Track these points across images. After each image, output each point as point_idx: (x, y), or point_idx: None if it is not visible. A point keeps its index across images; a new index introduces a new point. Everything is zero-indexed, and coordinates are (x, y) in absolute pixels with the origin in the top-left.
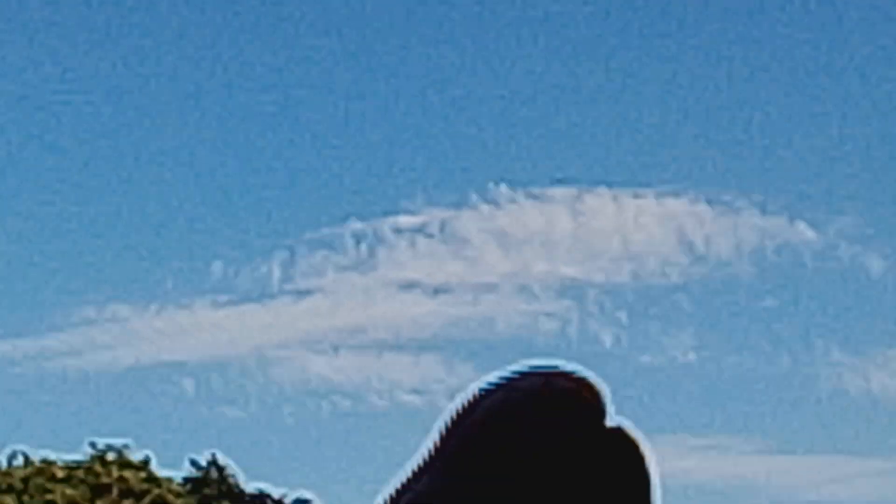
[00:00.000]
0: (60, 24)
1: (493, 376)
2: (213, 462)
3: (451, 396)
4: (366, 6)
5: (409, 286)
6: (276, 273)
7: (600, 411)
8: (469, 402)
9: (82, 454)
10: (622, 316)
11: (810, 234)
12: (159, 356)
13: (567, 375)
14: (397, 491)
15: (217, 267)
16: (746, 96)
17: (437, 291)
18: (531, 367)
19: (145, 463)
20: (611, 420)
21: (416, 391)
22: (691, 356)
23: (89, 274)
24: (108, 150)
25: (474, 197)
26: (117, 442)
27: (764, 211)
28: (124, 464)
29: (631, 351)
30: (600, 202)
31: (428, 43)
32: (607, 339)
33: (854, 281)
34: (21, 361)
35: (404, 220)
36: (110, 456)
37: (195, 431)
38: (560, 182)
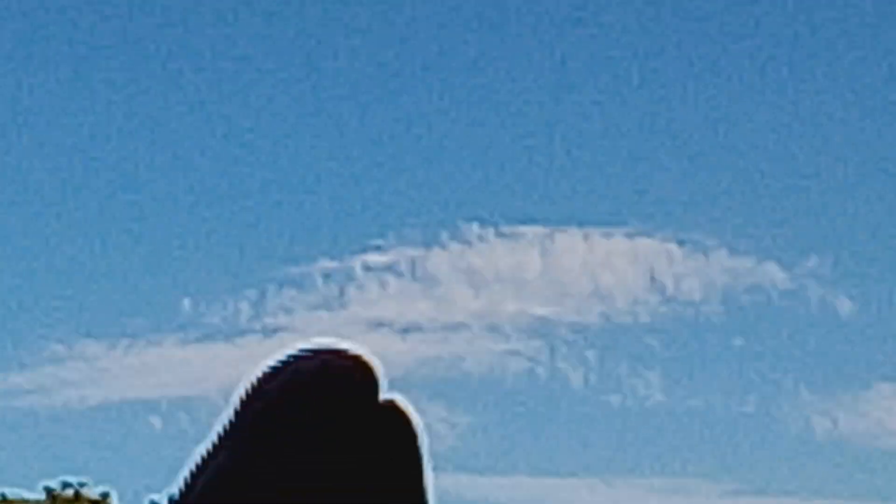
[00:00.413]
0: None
1: (274, 360)
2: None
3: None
4: (334, 48)
5: (379, 325)
6: (246, 311)
7: (373, 387)
8: (252, 387)
9: (39, 493)
10: (591, 356)
11: (779, 274)
12: (128, 394)
13: (341, 353)
14: (192, 473)
15: (186, 304)
16: (717, 137)
17: (406, 330)
18: (308, 348)
19: (103, 498)
20: (383, 395)
21: None
22: (659, 396)
23: (58, 311)
24: (76, 189)
25: (444, 235)
26: (75, 480)
27: (733, 251)
28: (81, 502)
29: (599, 391)
30: (571, 241)
31: (397, 81)
32: (576, 379)
33: (823, 322)
34: None
35: (374, 259)
36: (68, 492)
37: (162, 469)
38: (531, 221)
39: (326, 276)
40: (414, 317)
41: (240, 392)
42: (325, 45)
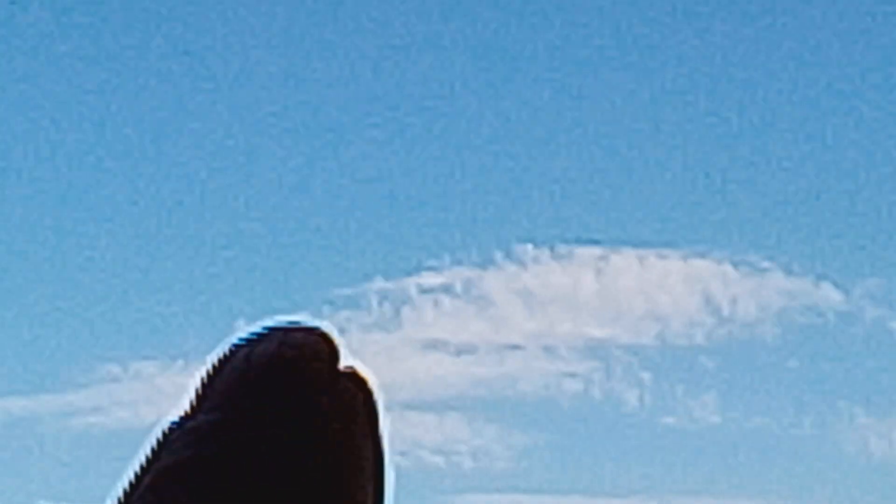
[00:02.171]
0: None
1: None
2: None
3: (475, 457)
4: (382, 64)
5: (434, 346)
6: None
7: (334, 356)
8: (215, 365)
9: None
10: (646, 377)
11: (835, 295)
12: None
13: (301, 328)
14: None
15: (241, 325)
16: (772, 157)
17: (461, 351)
18: (270, 326)
19: None
20: (344, 363)
21: (439, 451)
22: (715, 418)
23: (113, 331)
24: (133, 208)
25: (499, 256)
26: None
27: (789, 272)
28: None
29: (655, 412)
30: (626, 262)
31: (453, 99)
32: (631, 400)
33: (879, 343)
34: (43, 418)
35: (429, 280)
36: None
37: None
38: (586, 242)
39: (381, 296)
40: (469, 338)
41: (194, 386)
42: (375, 61)
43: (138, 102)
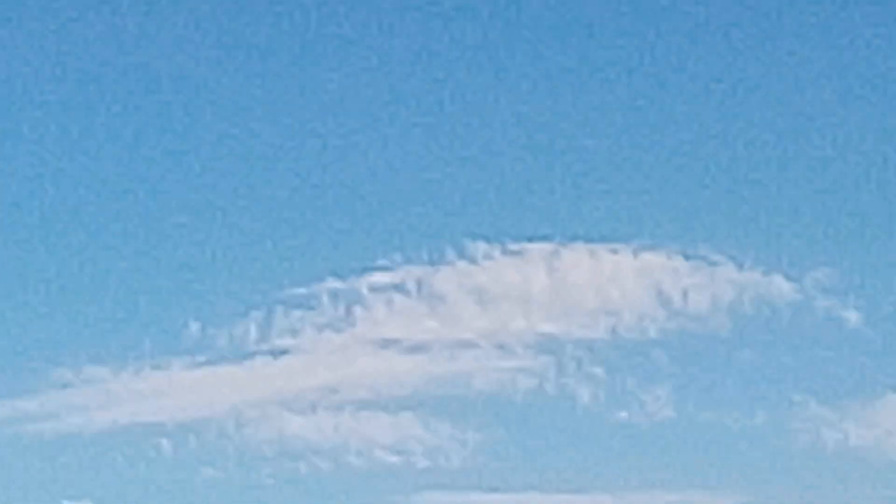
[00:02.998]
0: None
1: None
2: None
3: (430, 455)
4: (340, 64)
5: (387, 344)
6: (253, 333)
7: None
8: None
9: None
10: (599, 372)
11: (786, 287)
12: (136, 418)
13: None
14: None
15: (194, 327)
16: (722, 151)
17: (414, 349)
18: None
19: None
20: None
21: (394, 450)
22: (669, 412)
23: (65, 335)
24: (81, 213)
25: (451, 254)
26: None
27: (740, 265)
28: None
29: (608, 407)
30: (577, 257)
31: (403, 99)
32: (585, 396)
33: (831, 334)
34: None
35: (381, 278)
36: None
37: (171, 492)
38: (537, 238)
39: (333, 296)
40: (421, 336)
41: None
42: (332, 61)
43: (77, 116)
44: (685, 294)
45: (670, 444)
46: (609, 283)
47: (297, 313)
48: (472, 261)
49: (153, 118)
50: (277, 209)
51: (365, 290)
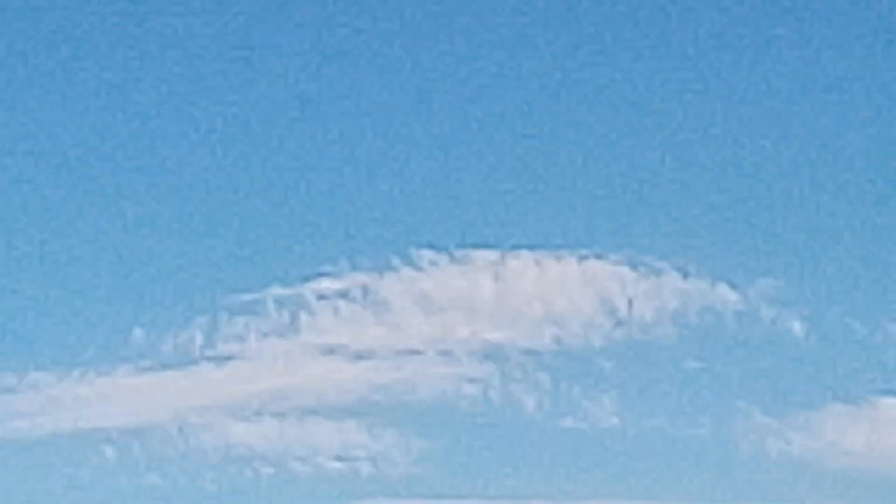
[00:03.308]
0: None
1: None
2: None
3: (374, 462)
4: (283, 78)
5: (332, 351)
6: (198, 339)
7: None
8: None
9: None
10: (544, 380)
11: (732, 296)
12: (80, 423)
13: None
14: None
15: (138, 333)
16: (667, 161)
17: (359, 356)
18: None
19: None
20: None
21: (338, 457)
22: (613, 420)
23: (9, 341)
24: (22, 216)
25: (397, 261)
26: None
27: (685, 274)
28: None
29: (553, 415)
30: (523, 265)
31: (346, 107)
32: (530, 404)
33: (775, 343)
34: None
35: (326, 285)
36: None
37: (114, 500)
38: (482, 245)
39: (279, 303)
40: (366, 343)
41: None
42: (272, 75)
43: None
44: (630, 303)
45: (615, 452)
46: (554, 291)
47: (242, 320)
48: (418, 268)
49: (94, 123)
50: (222, 216)
51: (310, 297)
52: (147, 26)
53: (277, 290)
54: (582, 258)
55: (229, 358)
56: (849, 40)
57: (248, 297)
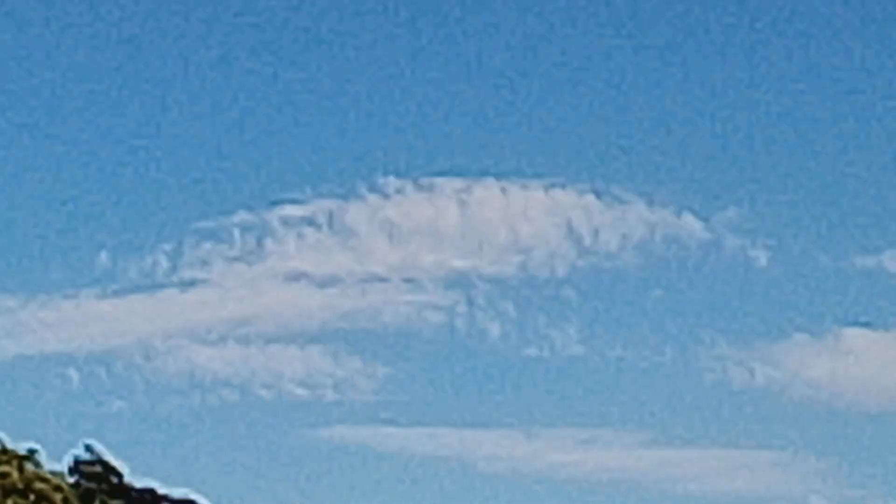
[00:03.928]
0: None
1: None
2: (97, 457)
3: (339, 389)
4: (257, 10)
5: (297, 277)
6: (163, 264)
7: None
8: None
9: None
10: (509, 308)
11: (697, 225)
12: (45, 347)
13: None
14: None
15: (103, 257)
16: (633, 90)
17: (324, 283)
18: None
19: (31, 454)
20: None
21: (303, 383)
22: (577, 349)
23: None
24: None
25: (363, 188)
26: (1, 435)
27: (651, 203)
28: (8, 458)
29: (518, 343)
30: (488, 194)
31: (316, 38)
32: (494, 332)
33: (739, 273)
34: None
35: (291, 211)
36: None
37: (81, 424)
38: (448, 173)
39: (244, 228)
40: (331, 269)
41: None
42: (257, 5)
43: None
44: (596, 232)
45: (579, 380)
46: (520, 219)
47: (207, 245)
48: (384, 195)
49: (75, 55)
50: (188, 141)
51: (276, 223)
52: None
53: (242, 216)
54: (548, 187)
55: (194, 283)
56: None
57: (213, 222)
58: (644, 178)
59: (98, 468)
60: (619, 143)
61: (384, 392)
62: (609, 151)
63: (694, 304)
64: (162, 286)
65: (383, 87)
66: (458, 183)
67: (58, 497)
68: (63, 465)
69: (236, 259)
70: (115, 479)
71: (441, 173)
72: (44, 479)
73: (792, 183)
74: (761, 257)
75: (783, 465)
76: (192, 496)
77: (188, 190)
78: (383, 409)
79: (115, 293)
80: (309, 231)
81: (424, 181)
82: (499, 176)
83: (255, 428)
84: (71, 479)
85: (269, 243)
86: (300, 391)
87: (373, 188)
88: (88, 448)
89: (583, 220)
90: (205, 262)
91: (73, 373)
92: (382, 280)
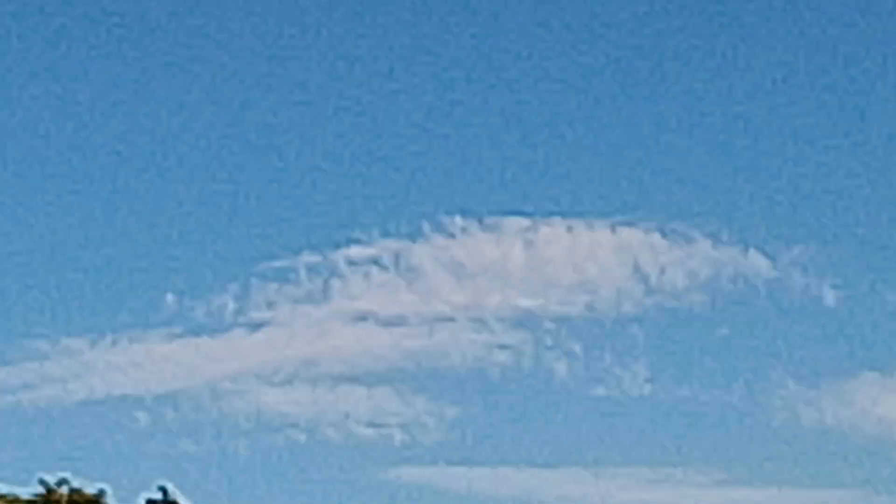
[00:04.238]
0: None
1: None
2: (165, 496)
3: (406, 429)
4: (321, 45)
5: (363, 318)
6: (230, 305)
7: None
8: None
9: (34, 489)
10: (576, 347)
11: (764, 263)
12: (113, 389)
13: None
14: None
15: (170, 299)
16: (699, 128)
17: (390, 323)
18: None
19: (99, 497)
20: None
21: (370, 423)
22: (645, 388)
23: (42, 307)
24: (59, 186)
25: (428, 228)
26: (70, 476)
27: (717, 241)
28: (77, 499)
29: (585, 382)
30: (554, 232)
31: (381, 76)
32: (561, 371)
33: (807, 311)
34: None
35: (358, 252)
36: (63, 489)
37: (149, 465)
38: (514, 212)
39: (310, 269)
40: (398, 310)
41: None
42: (312, 42)
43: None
44: (662, 270)
45: (647, 420)
46: (586, 258)
47: (274, 286)
48: (449, 235)
49: (133, 99)
50: (256, 182)
51: (342, 264)
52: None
53: (309, 257)
54: (614, 225)
55: (261, 324)
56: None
57: (279, 263)
58: (710, 216)
59: None
60: (685, 181)
61: (452, 432)
62: (675, 189)
63: (761, 342)
64: (229, 327)
65: (449, 126)
66: (523, 222)
67: None
68: None
69: (303, 300)
70: None
71: (507, 212)
72: None
73: (859, 221)
74: (829, 295)
75: None
76: None
77: (254, 231)
78: (451, 449)
79: (183, 335)
80: (375, 271)
81: (490, 220)
82: (564, 215)
83: (323, 468)
84: None
85: (335, 284)
86: (367, 431)
87: (438, 228)
88: (162, 490)
89: (649, 258)
90: (271, 303)
91: (141, 414)
92: (449, 320)
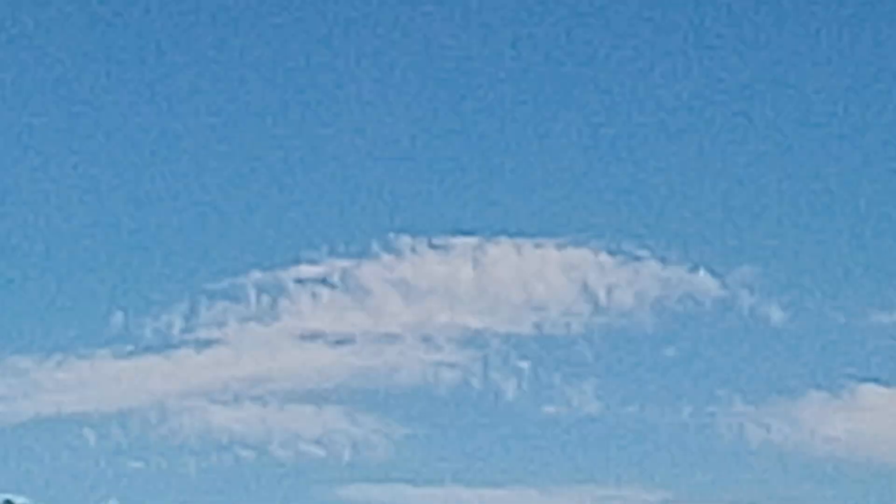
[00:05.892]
0: None
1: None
2: None
3: (355, 448)
4: (272, 64)
5: (312, 337)
6: (178, 324)
7: None
8: None
9: None
10: (525, 366)
11: (712, 283)
12: (60, 408)
13: None
14: None
15: (118, 317)
16: (647, 148)
17: (339, 342)
18: None
19: None
20: None
21: (318, 442)
22: (594, 406)
23: None
24: (7, 201)
25: (376, 247)
26: (13, 497)
27: (665, 260)
28: None
29: (533, 401)
30: (503, 252)
31: (328, 96)
32: (510, 390)
33: (755, 331)
34: None
35: (306, 271)
36: None
37: (97, 484)
38: (462, 232)
39: (259, 288)
40: (347, 328)
41: None
42: (256, 66)
43: None
44: (610, 290)
45: (595, 438)
46: (534, 278)
47: (222, 305)
48: (398, 254)
49: (83, 109)
50: (203, 201)
51: (290, 283)
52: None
53: (257, 276)
54: (561, 245)
55: (209, 343)
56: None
57: (228, 282)
58: (658, 236)
59: None
60: (633, 202)
61: (401, 451)
62: (623, 210)
63: (709, 361)
64: (177, 346)
65: (396, 146)
66: (472, 241)
67: None
68: None
69: (251, 318)
70: None
71: (455, 232)
72: None
73: (807, 240)
74: (776, 315)
75: None
76: None
77: (202, 249)
78: (400, 467)
79: (130, 353)
80: (323, 290)
81: (438, 240)
82: (512, 235)
83: (272, 487)
84: None
85: (283, 303)
86: (316, 450)
87: (387, 247)
88: None
89: (597, 278)
90: (220, 322)
91: (88, 433)
92: (397, 338)
